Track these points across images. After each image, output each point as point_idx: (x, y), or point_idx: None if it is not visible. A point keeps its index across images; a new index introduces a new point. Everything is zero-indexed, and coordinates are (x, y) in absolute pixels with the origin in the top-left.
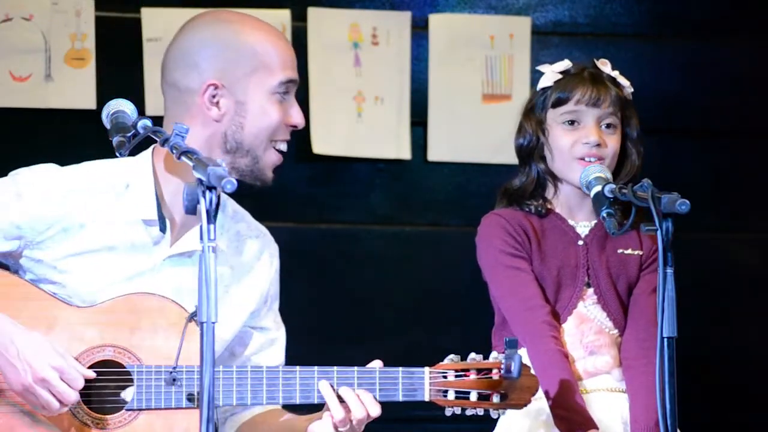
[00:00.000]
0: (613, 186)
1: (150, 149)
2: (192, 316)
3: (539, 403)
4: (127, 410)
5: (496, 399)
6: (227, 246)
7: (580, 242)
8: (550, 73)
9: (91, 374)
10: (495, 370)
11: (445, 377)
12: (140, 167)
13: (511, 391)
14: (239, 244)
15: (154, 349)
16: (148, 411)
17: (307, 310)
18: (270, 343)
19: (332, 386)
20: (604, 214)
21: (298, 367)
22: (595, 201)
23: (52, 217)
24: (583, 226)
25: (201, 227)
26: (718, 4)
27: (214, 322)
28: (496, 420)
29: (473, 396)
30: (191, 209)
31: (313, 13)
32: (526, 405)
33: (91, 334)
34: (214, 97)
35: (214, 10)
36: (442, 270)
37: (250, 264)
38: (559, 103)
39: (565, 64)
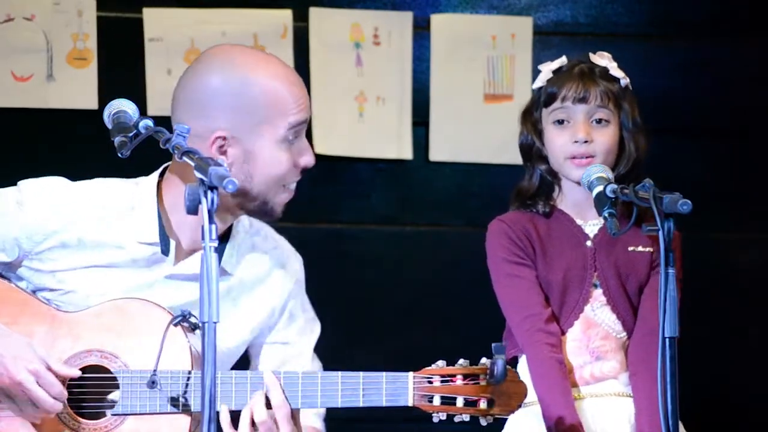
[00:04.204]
0: (615, 186)
1: (157, 173)
2: (175, 320)
3: None
4: (114, 415)
5: (483, 405)
6: (238, 259)
7: (588, 243)
8: (544, 72)
9: (76, 373)
10: (482, 376)
11: (430, 382)
12: (146, 191)
13: (498, 396)
14: (252, 255)
15: (140, 353)
16: (134, 416)
17: None
18: (298, 355)
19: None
20: (606, 214)
21: (282, 372)
22: (596, 201)
23: (50, 228)
24: (592, 225)
25: (202, 227)
26: (718, 4)
27: (215, 322)
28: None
29: (459, 402)
30: (192, 209)
31: (315, 13)
32: (513, 412)
33: (79, 339)
34: (221, 147)
35: (226, 47)
36: (442, 270)
37: (261, 277)
38: (549, 101)
39: (561, 61)
